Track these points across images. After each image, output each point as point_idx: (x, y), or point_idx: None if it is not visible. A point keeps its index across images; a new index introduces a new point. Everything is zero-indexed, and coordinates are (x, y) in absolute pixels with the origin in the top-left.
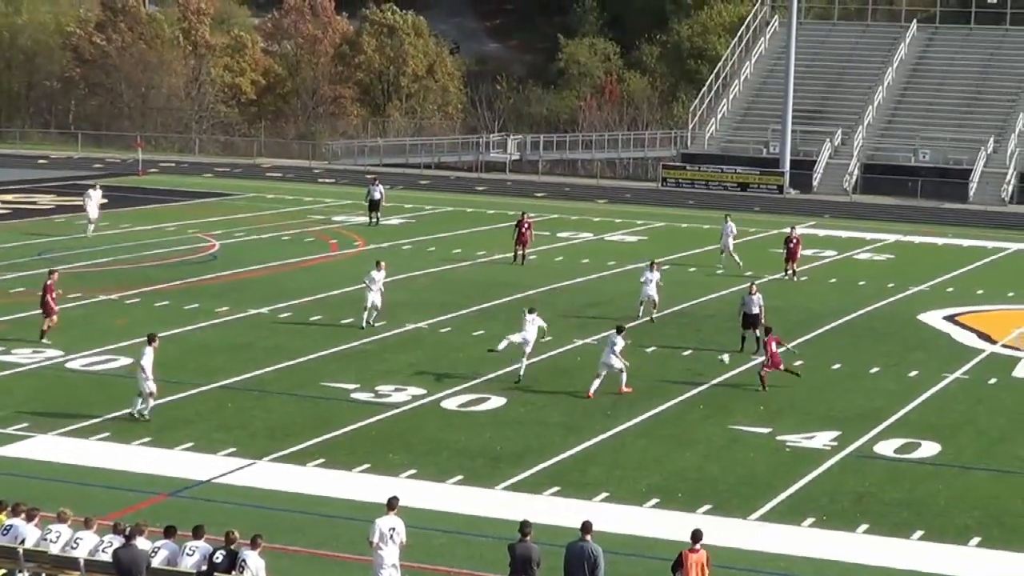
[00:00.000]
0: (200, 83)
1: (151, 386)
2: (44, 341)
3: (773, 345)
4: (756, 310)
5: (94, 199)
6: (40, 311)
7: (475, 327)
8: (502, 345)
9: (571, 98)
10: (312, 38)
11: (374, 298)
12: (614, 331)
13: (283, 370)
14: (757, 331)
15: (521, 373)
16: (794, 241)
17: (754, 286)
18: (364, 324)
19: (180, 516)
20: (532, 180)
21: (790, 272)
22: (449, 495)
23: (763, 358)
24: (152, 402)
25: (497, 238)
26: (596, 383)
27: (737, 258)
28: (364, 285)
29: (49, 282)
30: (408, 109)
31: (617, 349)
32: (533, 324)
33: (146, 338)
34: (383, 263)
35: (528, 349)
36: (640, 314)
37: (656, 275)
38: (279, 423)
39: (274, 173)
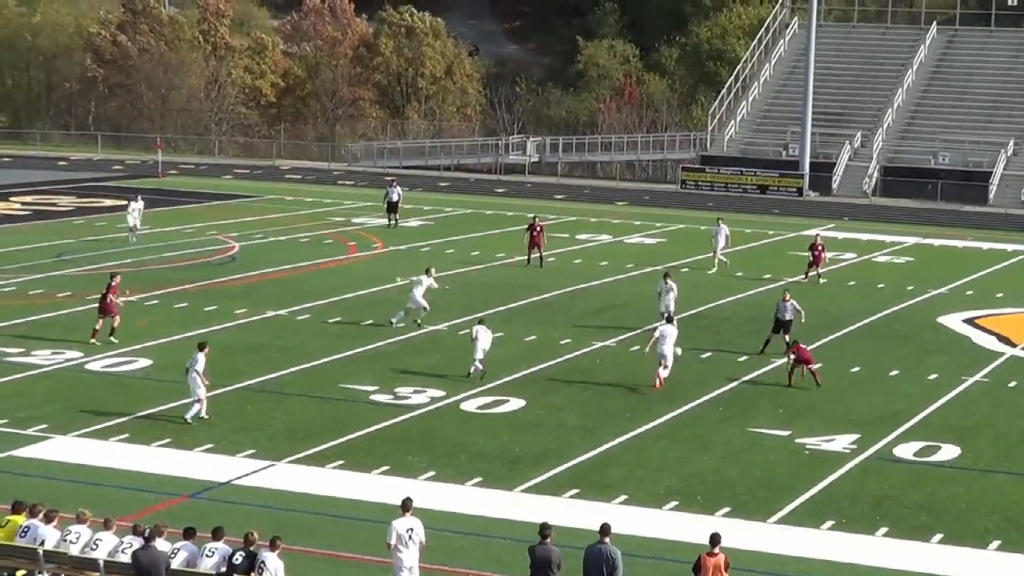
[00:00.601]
0: (220, 85)
1: (202, 392)
2: (94, 341)
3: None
4: (789, 316)
5: (136, 209)
6: (98, 311)
7: (495, 329)
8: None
9: (590, 100)
10: (331, 40)
11: (421, 300)
12: (663, 322)
13: (302, 372)
14: (787, 336)
15: (472, 370)
16: (819, 248)
17: (787, 292)
18: (394, 321)
19: (200, 518)
20: (551, 182)
21: (813, 274)
22: (468, 497)
23: (787, 359)
24: (200, 407)
25: (515, 240)
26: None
27: (724, 259)
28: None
29: (113, 284)
30: (427, 111)
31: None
32: (486, 333)
33: (197, 345)
34: (432, 270)
35: (480, 355)
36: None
37: (674, 285)
38: (298, 425)
39: (293, 175)
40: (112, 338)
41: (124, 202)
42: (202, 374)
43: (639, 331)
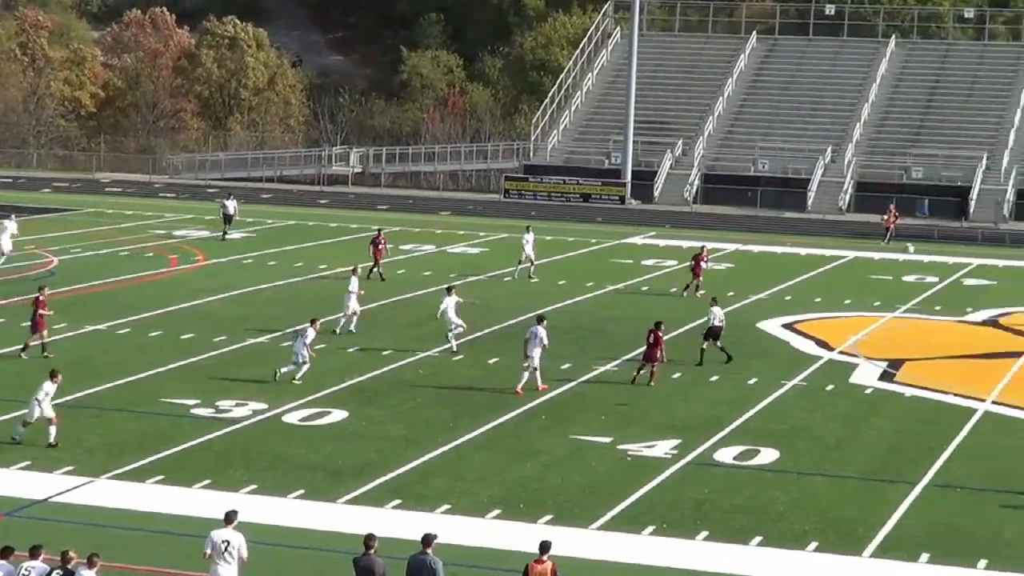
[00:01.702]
0: (39, 97)
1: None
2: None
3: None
4: (718, 323)
5: (8, 230)
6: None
7: (317, 341)
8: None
9: (414, 110)
10: (152, 51)
11: (352, 305)
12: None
13: (122, 386)
14: (718, 342)
15: (281, 371)
16: (705, 258)
17: (715, 300)
18: (339, 330)
19: (16, 536)
20: (375, 193)
21: (690, 287)
22: (291, 509)
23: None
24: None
25: (340, 251)
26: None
27: (526, 267)
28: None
29: (41, 298)
30: (249, 123)
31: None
32: (301, 338)
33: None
34: (358, 268)
35: (298, 359)
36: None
37: (454, 300)
38: (118, 440)
39: (114, 188)
40: (46, 354)
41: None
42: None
43: (464, 341)
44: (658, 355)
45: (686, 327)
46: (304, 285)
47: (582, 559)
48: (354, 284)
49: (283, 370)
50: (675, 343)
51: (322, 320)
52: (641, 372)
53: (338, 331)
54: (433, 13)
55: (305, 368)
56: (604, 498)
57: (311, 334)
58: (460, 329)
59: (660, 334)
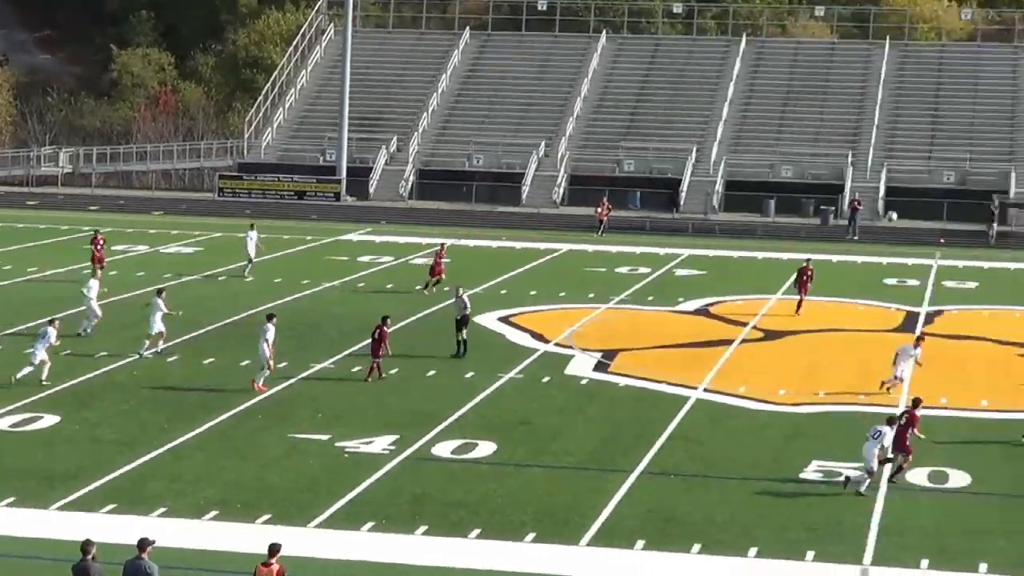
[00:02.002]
0: None
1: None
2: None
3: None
4: (467, 312)
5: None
6: None
7: (26, 344)
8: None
9: (125, 109)
10: None
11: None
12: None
13: None
14: (464, 332)
15: (17, 376)
16: (443, 256)
17: (461, 289)
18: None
19: None
20: (85, 193)
21: (429, 285)
22: (2, 518)
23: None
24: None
25: (50, 253)
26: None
27: (248, 265)
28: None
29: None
30: None
31: (269, 337)
32: (41, 340)
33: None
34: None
35: (35, 361)
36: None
37: (161, 302)
38: None
39: None
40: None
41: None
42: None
43: (178, 341)
44: (382, 351)
45: (405, 321)
46: (15, 288)
47: (302, 557)
48: (93, 288)
49: (19, 375)
50: (394, 337)
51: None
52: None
53: (82, 332)
54: (144, 11)
55: (47, 368)
56: (322, 496)
57: (52, 334)
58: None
59: (385, 329)
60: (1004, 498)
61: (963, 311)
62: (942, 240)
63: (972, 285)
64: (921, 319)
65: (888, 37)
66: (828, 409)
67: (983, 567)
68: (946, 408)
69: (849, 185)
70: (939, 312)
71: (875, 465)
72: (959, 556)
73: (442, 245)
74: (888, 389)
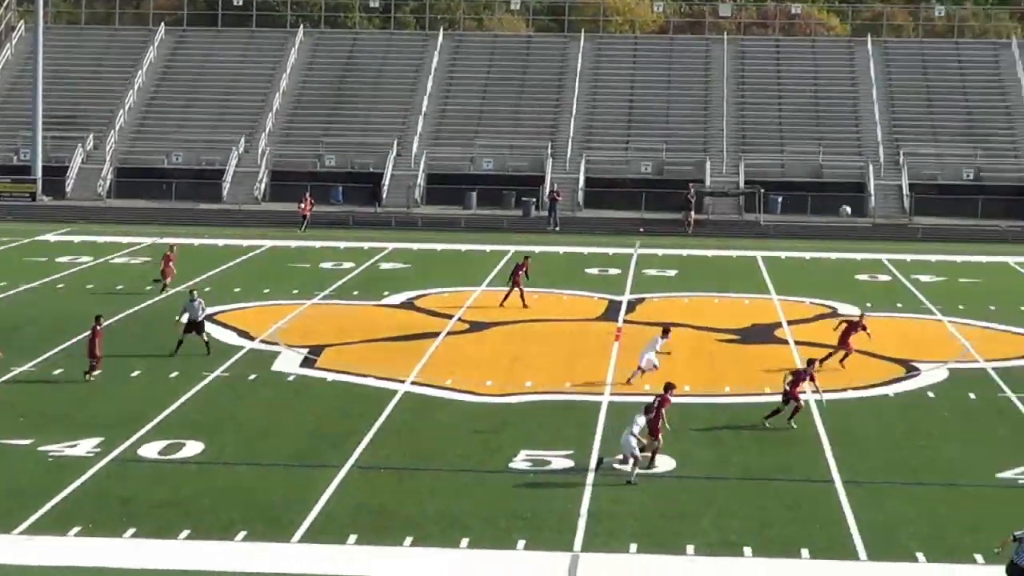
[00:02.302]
0: None
1: None
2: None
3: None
4: (200, 316)
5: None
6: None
7: None
8: None
9: None
10: None
11: None
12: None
13: None
14: (204, 335)
15: None
16: (172, 258)
17: (195, 292)
18: None
19: None
20: None
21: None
22: None
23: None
24: None
25: None
26: None
27: None
28: None
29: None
30: None
31: None
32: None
33: None
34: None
35: None
36: None
37: None
38: None
39: None
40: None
41: None
42: None
43: None
44: (98, 350)
45: (107, 322)
46: None
47: (6, 565)
48: None
49: None
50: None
51: None
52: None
53: None
54: None
55: None
56: (27, 501)
57: None
58: None
59: (99, 328)
60: (707, 481)
61: (664, 298)
62: (641, 229)
63: (672, 273)
64: (623, 307)
65: (583, 30)
66: (535, 399)
67: (690, 549)
68: (650, 395)
69: (549, 176)
70: (640, 300)
71: (637, 452)
72: (666, 539)
73: (171, 247)
74: (629, 380)
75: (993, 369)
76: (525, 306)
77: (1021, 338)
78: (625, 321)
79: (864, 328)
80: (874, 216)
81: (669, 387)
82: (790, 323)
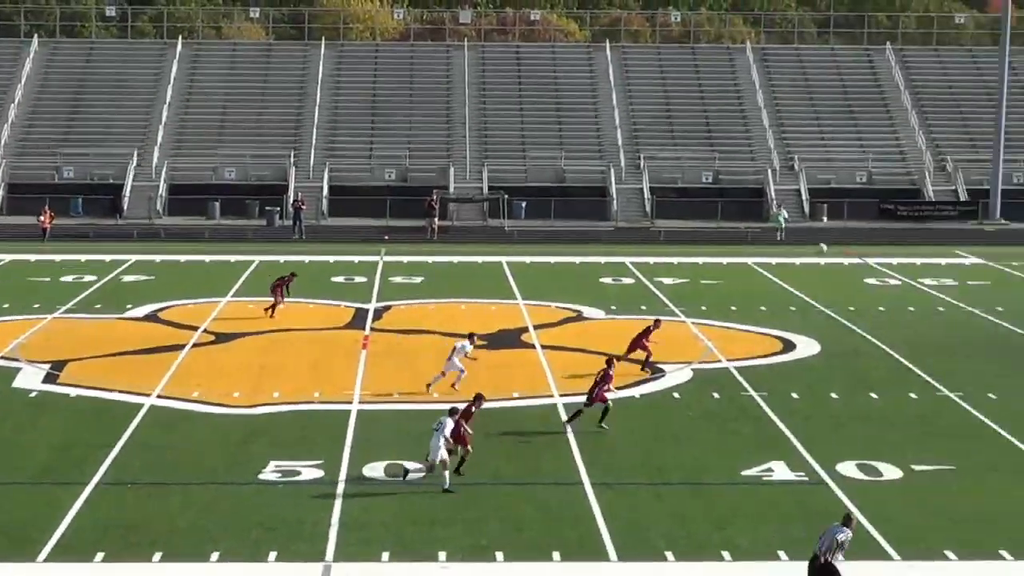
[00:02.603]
0: None
1: None
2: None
3: None
4: None
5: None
6: None
7: None
8: None
9: None
10: None
11: None
12: None
13: None
14: None
15: None
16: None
17: None
18: None
19: None
20: None
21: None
22: None
23: None
24: None
25: None
26: None
27: None
28: None
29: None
30: None
31: None
32: None
33: None
34: None
35: None
36: None
37: None
38: None
39: None
40: None
41: None
42: None
43: None
44: None
45: None
46: None
47: None
48: None
49: None
50: None
51: None
52: None
53: None
54: None
55: None
56: None
57: None
58: None
59: None
60: (458, 487)
61: (411, 305)
62: (386, 237)
63: (418, 280)
64: (370, 315)
65: (324, 38)
66: (283, 409)
67: (442, 556)
68: (399, 401)
69: (292, 185)
70: (387, 307)
71: (444, 456)
72: (418, 546)
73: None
74: (429, 386)
75: (735, 368)
76: (272, 316)
77: (762, 337)
78: (372, 329)
79: (650, 331)
80: (617, 220)
81: (479, 398)
82: (536, 327)
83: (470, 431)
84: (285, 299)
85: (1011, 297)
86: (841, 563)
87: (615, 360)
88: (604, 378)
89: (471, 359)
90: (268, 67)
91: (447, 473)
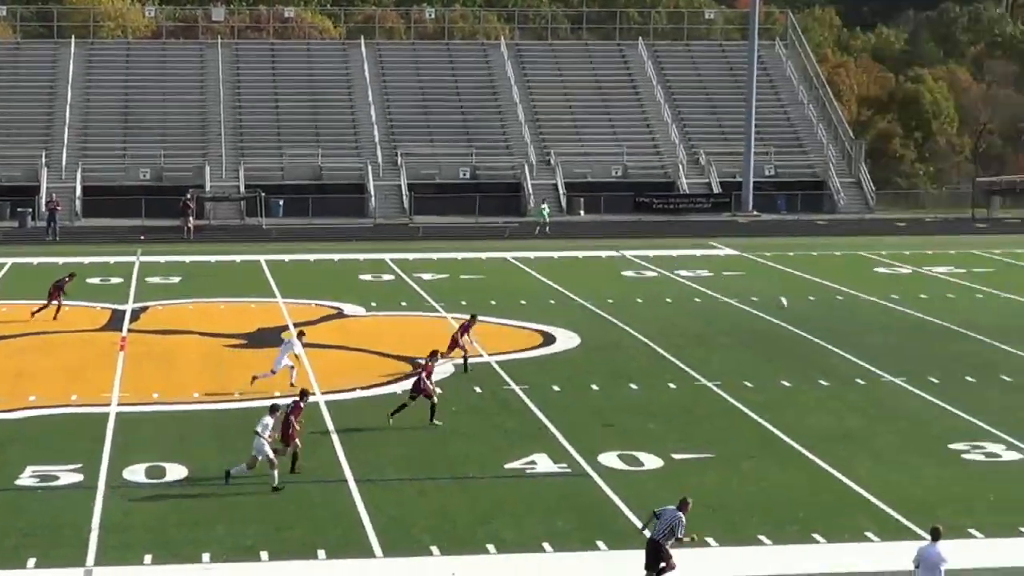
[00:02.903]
0: None
1: None
2: None
3: None
4: None
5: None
6: None
7: None
8: None
9: None
10: None
11: None
12: None
13: None
14: None
15: None
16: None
17: None
18: None
19: None
20: None
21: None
22: None
23: None
24: None
25: None
26: None
27: None
28: None
29: None
30: None
31: None
32: None
33: None
34: None
35: None
36: None
37: None
38: None
39: None
40: None
41: None
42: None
43: None
44: None
45: None
46: None
47: None
48: None
49: None
50: None
51: None
52: None
53: None
54: None
55: None
56: None
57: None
58: None
59: None
60: (220, 487)
61: (168, 306)
62: (142, 237)
63: (175, 280)
64: (127, 316)
65: (74, 36)
66: (40, 413)
67: (206, 556)
68: (158, 403)
69: (45, 186)
70: (145, 308)
71: (271, 454)
72: (182, 547)
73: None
74: (254, 379)
75: (497, 362)
76: (55, 319)
77: (521, 331)
78: (129, 330)
79: (468, 328)
80: (375, 217)
81: (304, 394)
82: (296, 325)
83: (298, 427)
84: (62, 301)
85: (764, 287)
86: (671, 546)
87: (438, 354)
88: (425, 371)
89: (295, 356)
90: (17, 66)
91: (275, 472)
